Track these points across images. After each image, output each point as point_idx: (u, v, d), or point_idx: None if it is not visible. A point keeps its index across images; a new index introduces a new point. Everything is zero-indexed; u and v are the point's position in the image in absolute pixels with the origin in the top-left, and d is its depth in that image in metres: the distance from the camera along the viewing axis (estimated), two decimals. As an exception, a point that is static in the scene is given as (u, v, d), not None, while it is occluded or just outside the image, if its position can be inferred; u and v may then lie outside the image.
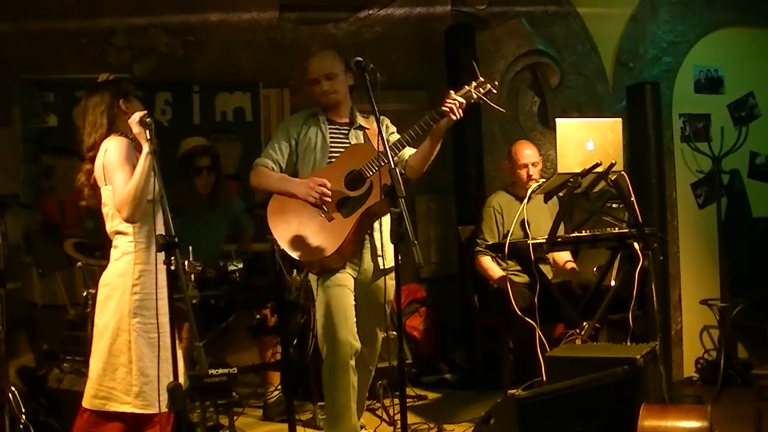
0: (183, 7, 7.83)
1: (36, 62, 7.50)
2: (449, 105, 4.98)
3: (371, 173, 5.03)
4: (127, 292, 4.43)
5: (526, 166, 6.82)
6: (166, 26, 7.77)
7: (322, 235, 5.06)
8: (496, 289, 6.78)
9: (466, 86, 5.11)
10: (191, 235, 5.82)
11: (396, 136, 5.31)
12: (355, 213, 5.06)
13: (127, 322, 4.40)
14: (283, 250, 5.12)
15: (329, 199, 5.04)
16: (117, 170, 4.42)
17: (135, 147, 4.49)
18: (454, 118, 5.01)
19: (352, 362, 5.11)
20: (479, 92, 5.07)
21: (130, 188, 4.32)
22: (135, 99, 4.72)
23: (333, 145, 5.27)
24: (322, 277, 5.19)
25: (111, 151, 4.47)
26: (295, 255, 5.10)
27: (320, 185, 5.02)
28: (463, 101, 5.02)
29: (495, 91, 5.11)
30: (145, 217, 4.44)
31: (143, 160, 4.31)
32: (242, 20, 7.98)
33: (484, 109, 7.78)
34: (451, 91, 5.07)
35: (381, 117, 5.19)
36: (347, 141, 5.31)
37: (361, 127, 5.35)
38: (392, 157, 4.63)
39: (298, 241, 5.10)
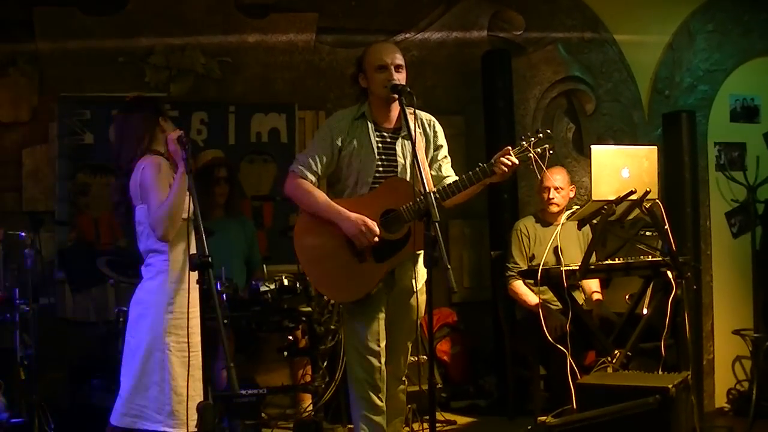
0: (221, 28, 7.87)
1: (74, 80, 7.55)
2: (503, 165, 4.82)
3: (411, 217, 4.81)
4: (161, 311, 4.45)
5: (548, 189, 6.81)
6: (204, 47, 7.81)
7: (351, 276, 4.91)
8: (526, 315, 6.76)
9: (523, 142, 4.94)
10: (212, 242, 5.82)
11: (444, 148, 5.22)
12: (388, 261, 4.89)
13: (161, 341, 4.42)
14: (304, 273, 5.05)
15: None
16: (153, 189, 4.45)
17: (170, 166, 4.52)
18: (502, 179, 4.89)
19: (382, 384, 5.02)
20: (536, 153, 4.89)
21: (165, 206, 4.35)
22: (168, 119, 4.76)
23: (379, 155, 5.01)
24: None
25: (148, 169, 4.49)
26: (320, 289, 5.04)
27: (371, 230, 4.80)
28: (517, 162, 4.85)
29: (550, 152, 4.92)
30: (178, 236, 4.46)
31: (179, 179, 4.34)
32: (279, 42, 8.01)
33: (518, 135, 7.83)
34: (509, 148, 4.89)
35: (430, 120, 5.16)
36: (393, 152, 5.03)
37: (409, 136, 4.87)
38: (428, 181, 4.58)
39: (324, 276, 5.00)
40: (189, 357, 4.37)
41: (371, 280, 4.89)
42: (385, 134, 5.06)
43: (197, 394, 4.22)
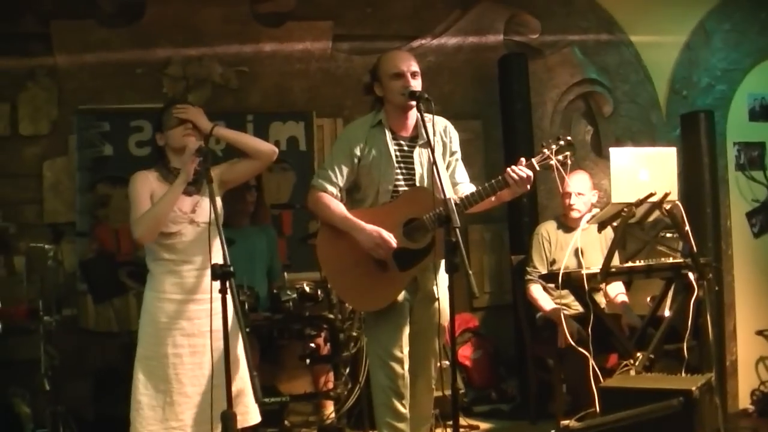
0: (237, 38, 7.90)
1: (92, 92, 7.59)
2: (513, 175, 4.80)
3: (434, 226, 4.79)
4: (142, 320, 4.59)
5: (569, 194, 6.77)
6: (221, 57, 7.84)
7: (375, 285, 4.92)
8: (547, 319, 6.76)
9: (545, 150, 4.92)
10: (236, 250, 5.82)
11: (458, 153, 5.22)
12: (412, 268, 4.90)
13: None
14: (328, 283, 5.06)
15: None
16: (134, 200, 4.56)
17: (159, 178, 4.60)
18: (522, 190, 4.87)
19: (405, 391, 5.02)
20: (558, 160, 4.87)
21: (151, 211, 4.44)
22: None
23: (397, 164, 4.99)
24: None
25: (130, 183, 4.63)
26: (344, 299, 5.06)
27: (387, 243, 4.81)
28: (529, 173, 4.81)
29: (571, 159, 4.93)
30: (156, 246, 4.53)
31: (175, 188, 4.41)
32: (295, 51, 8.03)
33: (536, 139, 7.83)
34: (531, 159, 4.88)
35: (445, 126, 5.15)
36: (411, 160, 5.02)
37: (426, 144, 4.90)
38: (448, 188, 4.58)
39: (348, 286, 5.01)
40: (213, 365, 4.38)
41: (395, 289, 4.91)
42: (402, 143, 5.06)
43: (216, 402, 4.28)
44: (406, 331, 5.02)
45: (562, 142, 4.94)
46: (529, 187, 4.88)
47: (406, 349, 5.00)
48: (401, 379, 4.99)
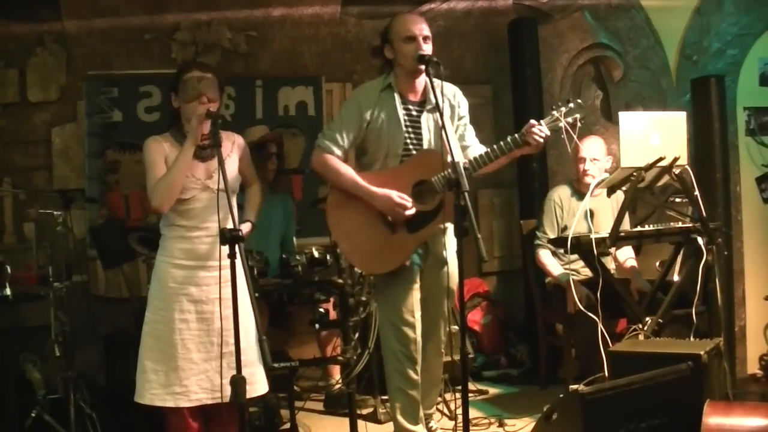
0: (246, 3, 7.89)
1: (101, 58, 7.60)
2: (535, 136, 4.87)
3: (443, 188, 4.85)
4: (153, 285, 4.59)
5: (583, 160, 6.73)
6: (230, 22, 7.84)
7: (384, 247, 4.96)
8: (554, 285, 6.76)
9: (554, 112, 5.00)
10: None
11: (466, 118, 5.25)
12: (421, 231, 4.95)
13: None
14: (338, 247, 5.07)
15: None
16: (149, 166, 4.52)
17: (173, 144, 4.57)
18: (536, 150, 4.97)
19: (418, 356, 5.08)
20: (567, 123, 4.95)
21: (164, 178, 4.41)
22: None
23: (405, 128, 5.04)
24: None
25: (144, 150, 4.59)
26: (354, 262, 5.06)
27: (403, 203, 4.86)
28: (548, 133, 4.92)
29: (580, 122, 4.99)
30: (169, 212, 4.52)
31: (184, 152, 4.39)
32: (305, 15, 8.02)
33: (546, 104, 7.79)
34: (541, 121, 4.94)
35: (454, 92, 5.16)
36: (419, 124, 5.06)
37: (434, 109, 4.99)
38: (457, 152, 4.59)
39: (358, 249, 5.03)
40: (222, 333, 4.38)
41: (405, 251, 4.95)
42: (411, 107, 5.09)
43: (178, 366, 4.33)
44: (417, 296, 5.08)
45: (572, 105, 4.99)
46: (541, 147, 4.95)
47: (417, 314, 5.05)
48: (413, 344, 5.03)
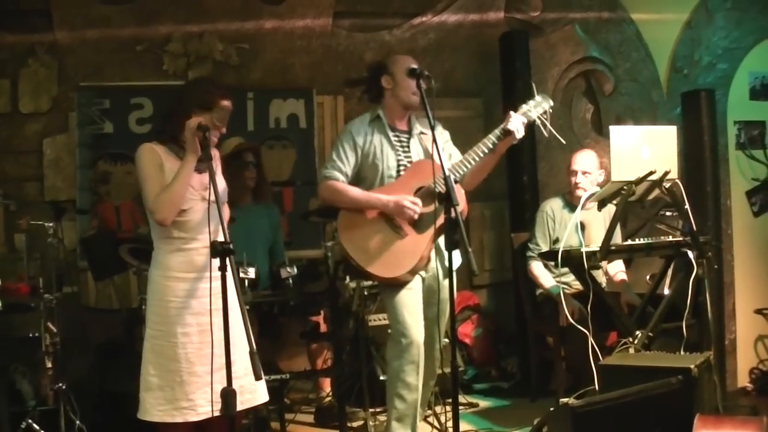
0: (238, 15, 7.89)
1: (92, 69, 7.60)
2: (511, 119, 5.08)
3: (442, 186, 4.92)
4: (150, 299, 4.54)
5: (575, 173, 6.74)
6: (221, 34, 7.84)
7: (398, 252, 5.10)
8: (545, 298, 6.78)
9: (524, 105, 5.25)
10: (237, 227, 5.81)
11: (450, 144, 5.41)
12: (429, 230, 5.10)
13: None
14: (354, 262, 5.11)
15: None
16: (146, 177, 4.47)
17: (168, 151, 4.53)
18: (518, 136, 5.10)
19: (420, 361, 5.12)
20: (537, 112, 5.23)
21: (167, 191, 4.37)
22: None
23: (396, 153, 5.28)
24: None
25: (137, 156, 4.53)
26: (373, 271, 5.10)
27: (413, 202, 5.05)
28: (525, 120, 5.13)
29: (549, 111, 5.25)
30: (163, 226, 4.48)
31: (186, 165, 4.35)
32: (296, 27, 8.02)
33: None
34: (511, 112, 5.15)
35: (435, 121, 5.24)
36: (408, 149, 5.32)
37: (420, 134, 5.35)
38: (448, 167, 4.66)
39: (374, 258, 5.12)
40: (213, 345, 4.36)
41: (419, 249, 5.11)
42: (399, 134, 5.36)
43: (186, 381, 4.30)
44: (420, 301, 5.21)
45: (539, 98, 5.32)
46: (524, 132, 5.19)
47: (421, 320, 5.16)
48: (416, 348, 5.11)
